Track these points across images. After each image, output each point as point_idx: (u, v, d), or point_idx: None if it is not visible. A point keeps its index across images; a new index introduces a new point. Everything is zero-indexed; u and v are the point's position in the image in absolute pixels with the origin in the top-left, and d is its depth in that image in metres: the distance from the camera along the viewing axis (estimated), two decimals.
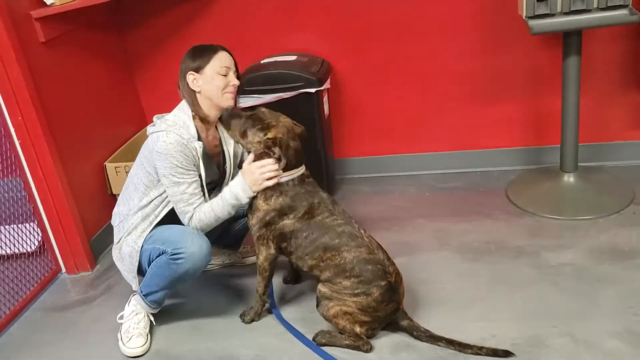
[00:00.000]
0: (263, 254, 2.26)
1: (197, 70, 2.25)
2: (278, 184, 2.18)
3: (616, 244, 2.54)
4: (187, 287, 2.67)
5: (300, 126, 2.30)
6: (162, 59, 3.39)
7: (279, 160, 2.15)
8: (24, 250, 2.95)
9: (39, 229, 2.91)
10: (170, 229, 2.27)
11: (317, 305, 2.16)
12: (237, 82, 2.30)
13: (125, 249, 2.34)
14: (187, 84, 2.27)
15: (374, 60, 3.22)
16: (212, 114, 2.31)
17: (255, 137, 2.21)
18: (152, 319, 2.40)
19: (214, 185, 2.44)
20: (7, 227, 2.91)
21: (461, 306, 2.30)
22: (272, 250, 2.25)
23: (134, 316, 2.36)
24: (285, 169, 2.18)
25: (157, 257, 2.23)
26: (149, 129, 2.30)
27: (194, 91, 2.27)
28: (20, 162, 2.73)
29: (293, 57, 3.10)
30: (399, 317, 2.15)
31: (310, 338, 2.22)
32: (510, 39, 3.03)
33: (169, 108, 2.63)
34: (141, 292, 2.34)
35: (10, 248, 2.89)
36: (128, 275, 2.39)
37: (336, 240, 2.12)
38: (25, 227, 2.97)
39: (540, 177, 3.09)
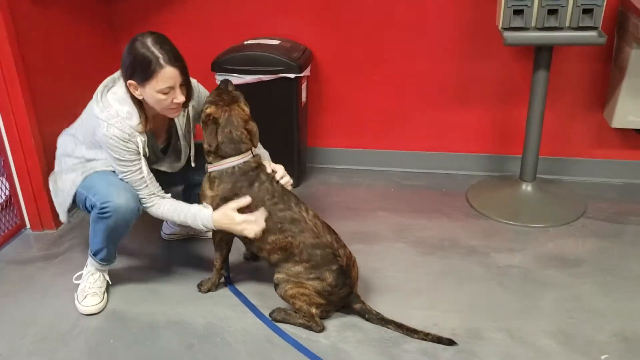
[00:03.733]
0: (218, 235, 2.34)
1: (138, 83, 2.13)
2: (221, 171, 2.23)
3: (563, 252, 2.67)
4: (148, 253, 2.74)
5: (253, 123, 2.26)
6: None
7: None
8: None
9: (7, 183, 2.95)
10: (102, 179, 2.28)
11: (276, 288, 2.23)
12: (181, 100, 2.17)
13: (61, 185, 2.38)
14: (129, 88, 2.18)
15: (356, 54, 3.31)
16: (157, 114, 2.27)
17: (204, 105, 2.28)
18: (108, 279, 2.46)
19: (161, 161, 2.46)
20: None
21: (409, 295, 2.41)
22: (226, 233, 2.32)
23: (90, 276, 2.42)
24: (222, 157, 2.22)
25: (91, 209, 2.27)
26: (94, 105, 2.23)
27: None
28: None
29: (276, 42, 3.17)
30: (352, 301, 2.24)
31: (265, 312, 2.30)
32: (487, 48, 3.14)
33: None
34: (90, 251, 2.40)
35: None
36: (59, 207, 2.43)
37: (278, 225, 2.18)
38: None
39: (500, 184, 3.21)
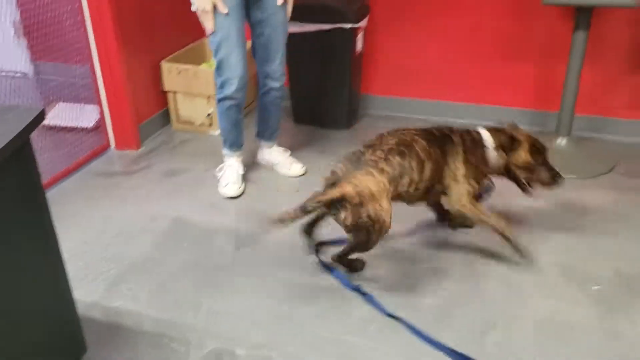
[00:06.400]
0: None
1: None
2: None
3: (582, 200, 2.88)
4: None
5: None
6: None
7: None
8: (85, 126, 3.50)
9: (98, 109, 3.43)
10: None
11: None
12: None
13: None
14: None
15: (411, 8, 3.55)
16: None
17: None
18: (242, 171, 3.06)
19: None
20: (74, 104, 3.50)
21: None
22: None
23: (229, 167, 3.00)
24: None
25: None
26: None
27: None
28: (89, 50, 3.21)
29: None
30: None
31: None
32: (535, 7, 3.28)
33: None
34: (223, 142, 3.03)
35: (74, 122, 3.49)
36: None
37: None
38: (88, 107, 3.51)
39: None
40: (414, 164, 2.23)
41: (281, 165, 3.16)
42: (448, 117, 3.73)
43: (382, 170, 2.17)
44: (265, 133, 3.16)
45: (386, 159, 2.19)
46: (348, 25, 3.30)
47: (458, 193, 2.34)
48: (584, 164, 3.17)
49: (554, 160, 3.14)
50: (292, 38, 3.39)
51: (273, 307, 2.24)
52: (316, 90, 3.57)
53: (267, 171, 3.18)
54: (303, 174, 3.12)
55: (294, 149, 3.31)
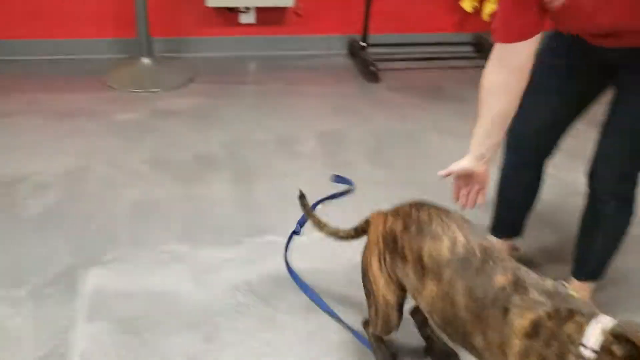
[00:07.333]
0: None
1: None
2: None
3: (169, 108, 3.43)
4: None
5: None
6: None
7: None
8: None
9: None
10: None
11: None
12: None
13: None
14: None
15: None
16: None
17: None
18: None
19: None
20: None
21: (33, 152, 2.95)
22: None
23: None
24: None
25: None
26: None
27: None
28: None
29: None
30: None
31: None
32: None
33: None
34: None
35: None
36: None
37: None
38: None
39: (129, 62, 3.83)
40: (406, 249, 1.56)
41: None
42: (44, 55, 3.87)
43: (385, 220, 1.67)
44: None
45: (395, 216, 1.64)
46: None
47: None
48: (167, 78, 3.72)
49: (142, 79, 3.65)
50: None
51: None
52: None
53: None
54: None
55: None
